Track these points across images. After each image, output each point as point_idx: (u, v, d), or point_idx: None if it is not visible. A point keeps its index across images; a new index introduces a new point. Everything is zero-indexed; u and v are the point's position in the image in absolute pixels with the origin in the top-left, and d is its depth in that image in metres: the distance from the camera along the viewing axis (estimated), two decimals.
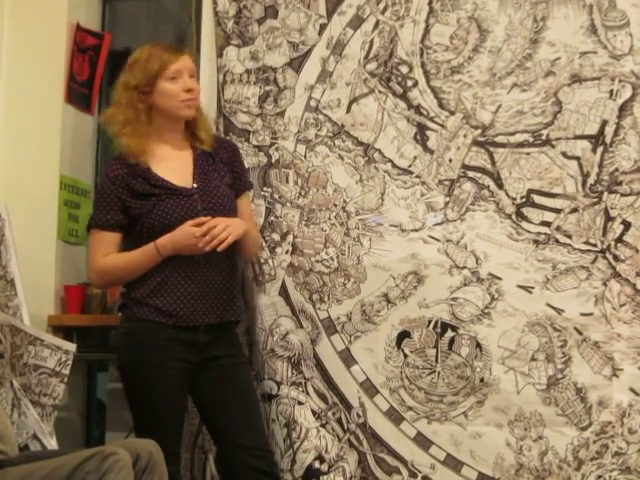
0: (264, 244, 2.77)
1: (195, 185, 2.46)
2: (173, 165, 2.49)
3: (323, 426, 2.68)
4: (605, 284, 2.47)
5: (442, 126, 2.63)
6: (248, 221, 2.60)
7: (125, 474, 2.04)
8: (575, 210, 2.52)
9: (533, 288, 2.52)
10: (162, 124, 2.51)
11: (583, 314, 2.48)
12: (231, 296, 2.54)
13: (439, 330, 2.60)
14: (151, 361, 2.40)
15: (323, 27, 2.74)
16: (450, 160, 2.63)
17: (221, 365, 2.48)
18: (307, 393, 2.70)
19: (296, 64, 2.76)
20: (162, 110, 2.49)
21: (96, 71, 3.23)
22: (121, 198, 2.41)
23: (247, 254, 2.65)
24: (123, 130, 2.47)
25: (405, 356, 2.61)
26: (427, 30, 2.66)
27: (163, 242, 2.37)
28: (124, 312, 2.50)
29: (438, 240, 2.62)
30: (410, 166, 2.64)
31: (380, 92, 2.69)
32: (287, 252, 2.75)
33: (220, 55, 2.83)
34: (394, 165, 2.66)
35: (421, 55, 2.66)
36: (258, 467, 2.46)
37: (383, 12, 2.70)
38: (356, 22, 2.72)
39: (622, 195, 2.49)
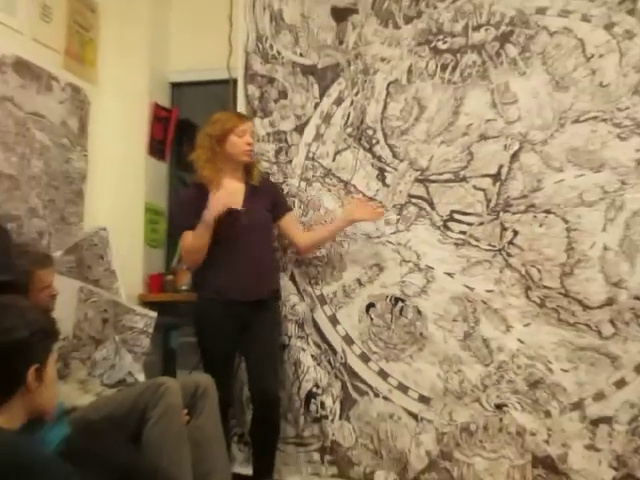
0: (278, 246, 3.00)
1: (243, 207, 2.70)
2: (230, 193, 2.69)
3: (318, 364, 2.95)
4: (501, 271, 2.78)
5: (395, 169, 2.90)
6: (295, 230, 2.84)
7: (174, 397, 2.17)
8: (482, 223, 2.79)
9: (454, 274, 2.82)
10: (228, 164, 2.72)
11: (487, 291, 2.78)
12: (269, 275, 2.78)
13: (393, 302, 2.88)
14: (212, 323, 2.70)
15: (317, 105, 3.04)
16: (400, 191, 2.89)
17: (255, 327, 2.73)
18: (308, 343, 2.99)
19: (300, 129, 3.06)
20: (229, 154, 2.72)
21: (168, 133, 3.57)
22: (194, 211, 2.66)
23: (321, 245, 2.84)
24: (205, 165, 2.68)
25: (371, 319, 2.89)
26: (385, 106, 2.94)
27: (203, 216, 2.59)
28: (195, 292, 2.81)
29: (393, 243, 2.90)
30: (375, 195, 2.95)
31: (354, 147, 2.97)
32: (294, 252, 3.05)
33: None
34: (364, 195, 2.95)
35: (381, 122, 2.92)
36: (264, 389, 2.75)
37: (356, 95, 2.98)
38: (338, 101, 3.01)
39: (512, 213, 2.78)
